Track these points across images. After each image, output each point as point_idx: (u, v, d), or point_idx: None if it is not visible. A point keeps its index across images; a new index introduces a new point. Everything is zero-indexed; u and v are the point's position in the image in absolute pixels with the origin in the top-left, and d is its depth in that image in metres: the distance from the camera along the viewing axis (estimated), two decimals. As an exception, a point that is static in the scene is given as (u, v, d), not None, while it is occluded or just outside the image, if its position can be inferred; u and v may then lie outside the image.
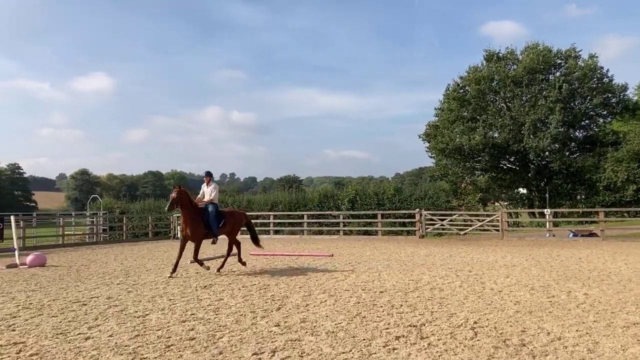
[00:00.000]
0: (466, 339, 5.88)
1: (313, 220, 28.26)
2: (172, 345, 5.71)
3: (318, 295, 8.92)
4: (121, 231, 29.38)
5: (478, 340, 5.85)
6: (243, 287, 9.96)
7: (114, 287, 10.24)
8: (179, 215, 14.13)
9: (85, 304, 8.29)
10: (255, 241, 13.25)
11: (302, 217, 28.31)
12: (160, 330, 6.43)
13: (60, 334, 6.29)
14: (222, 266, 12.44)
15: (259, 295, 8.99)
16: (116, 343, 5.81)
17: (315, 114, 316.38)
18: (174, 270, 11.45)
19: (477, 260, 14.50)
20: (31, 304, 8.42)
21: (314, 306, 7.91)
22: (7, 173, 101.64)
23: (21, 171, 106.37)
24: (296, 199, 30.84)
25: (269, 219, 28.85)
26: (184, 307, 7.90)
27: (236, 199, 33.15)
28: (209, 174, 12.58)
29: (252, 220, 29.67)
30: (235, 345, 5.70)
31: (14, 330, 6.51)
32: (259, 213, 29.89)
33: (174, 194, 11.41)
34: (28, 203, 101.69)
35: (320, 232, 27.99)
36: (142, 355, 5.34)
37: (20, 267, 14.19)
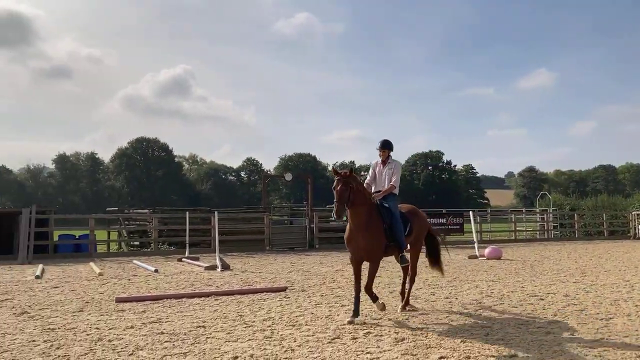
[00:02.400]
0: None
1: None
2: (644, 356, 5.09)
3: None
4: (572, 229, 28.37)
5: None
6: None
7: (570, 285, 9.96)
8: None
9: (543, 299, 8.37)
10: (435, 261, 8.34)
11: None
12: (627, 337, 5.84)
13: (522, 324, 6.54)
14: (407, 300, 7.76)
15: None
16: (578, 343, 5.62)
17: None
18: (356, 312, 6.85)
19: None
20: (492, 293, 9.09)
21: None
22: (462, 173, 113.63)
23: (474, 171, 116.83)
24: None
25: None
26: (655, 316, 6.94)
27: None
28: (386, 146, 7.56)
29: None
30: None
31: (480, 315, 7.17)
32: None
33: (341, 186, 6.63)
34: (481, 200, 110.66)
35: None
36: (609, 360, 4.97)
37: (480, 258, 15.56)
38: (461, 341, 5.70)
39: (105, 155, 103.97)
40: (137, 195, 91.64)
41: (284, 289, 9.37)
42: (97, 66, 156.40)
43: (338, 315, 7.19)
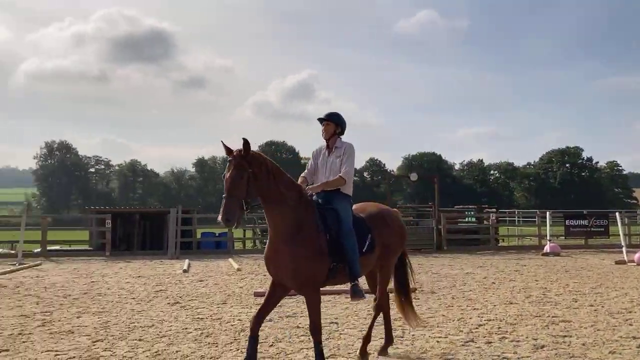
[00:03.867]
0: None
1: None
2: None
3: None
4: None
5: None
6: None
7: None
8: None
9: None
10: (406, 298, 5.72)
11: None
12: None
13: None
14: (388, 339, 5.40)
15: None
16: None
17: None
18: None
19: None
20: (645, 302, 8.28)
21: None
22: (606, 171, 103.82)
23: (620, 168, 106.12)
24: None
25: None
26: None
27: None
28: (333, 117, 5.08)
29: None
30: None
31: (630, 325, 6.57)
32: None
33: (233, 171, 4.26)
34: (628, 200, 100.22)
35: None
36: None
37: (629, 264, 14.17)
38: (609, 352, 5.30)
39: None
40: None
41: (413, 290, 9.32)
42: (228, 75, 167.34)
43: (471, 318, 7.03)
